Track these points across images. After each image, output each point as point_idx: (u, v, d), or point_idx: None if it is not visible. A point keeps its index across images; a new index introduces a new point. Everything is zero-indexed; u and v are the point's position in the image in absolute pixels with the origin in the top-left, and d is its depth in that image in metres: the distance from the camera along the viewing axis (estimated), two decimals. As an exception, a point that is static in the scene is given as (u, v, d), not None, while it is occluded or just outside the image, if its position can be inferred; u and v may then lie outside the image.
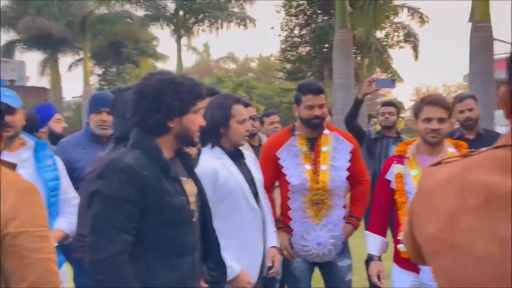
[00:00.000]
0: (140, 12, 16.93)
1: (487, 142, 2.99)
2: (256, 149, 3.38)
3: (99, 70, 27.54)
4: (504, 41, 21.41)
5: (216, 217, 2.00)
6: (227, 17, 15.94)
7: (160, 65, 28.30)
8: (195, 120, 1.67)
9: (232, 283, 2.04)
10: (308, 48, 18.07)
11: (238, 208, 2.12)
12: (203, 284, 1.80)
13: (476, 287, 0.77)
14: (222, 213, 2.05)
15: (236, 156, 2.24)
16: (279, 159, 2.63)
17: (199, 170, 1.99)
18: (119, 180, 1.51)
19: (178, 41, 16.54)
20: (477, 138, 3.12)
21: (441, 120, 2.22)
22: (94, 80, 26.55)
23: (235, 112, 2.17)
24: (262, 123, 4.26)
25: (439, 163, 0.90)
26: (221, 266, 1.90)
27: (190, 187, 1.71)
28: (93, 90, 20.36)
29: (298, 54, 18.76)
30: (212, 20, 16.03)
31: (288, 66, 20.51)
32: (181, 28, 16.22)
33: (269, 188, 2.73)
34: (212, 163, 2.10)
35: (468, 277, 0.78)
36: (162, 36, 38.44)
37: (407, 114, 23.04)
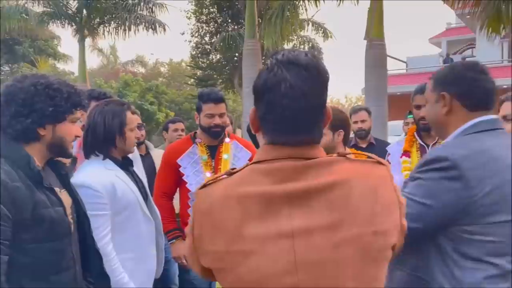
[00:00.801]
0: (38, 8, 15.67)
1: (379, 150, 3.28)
2: (142, 158, 3.28)
3: (-12, 69, 24.98)
4: (396, 58, 23.60)
5: (113, 230, 1.92)
6: (135, 20, 15.37)
7: (62, 66, 26.51)
8: (71, 130, 1.57)
9: None
10: (218, 56, 18.19)
11: (135, 219, 2.04)
12: None
13: (277, 284, 0.86)
14: (118, 227, 1.96)
15: (126, 165, 2.14)
16: (179, 166, 2.58)
17: (94, 184, 1.88)
18: None
19: (81, 41, 15.58)
20: (369, 146, 3.38)
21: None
22: (-18, 79, 24.00)
23: (127, 119, 2.07)
24: (166, 129, 4.18)
25: (205, 185, 0.96)
26: (104, 278, 1.79)
27: (65, 198, 1.59)
28: (-19, 90, 18.32)
29: (209, 61, 18.79)
30: (119, 22, 15.36)
31: (199, 72, 20.44)
32: (85, 28, 15.31)
33: (170, 196, 2.66)
34: (107, 175, 1.98)
35: (267, 277, 0.86)
36: (66, 36, 36.02)
37: (312, 123, 24.16)
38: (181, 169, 2.59)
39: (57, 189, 1.57)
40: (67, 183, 1.67)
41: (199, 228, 0.93)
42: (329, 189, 0.88)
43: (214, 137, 2.61)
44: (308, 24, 15.61)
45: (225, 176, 0.95)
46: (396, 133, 13.25)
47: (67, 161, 1.73)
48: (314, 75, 0.91)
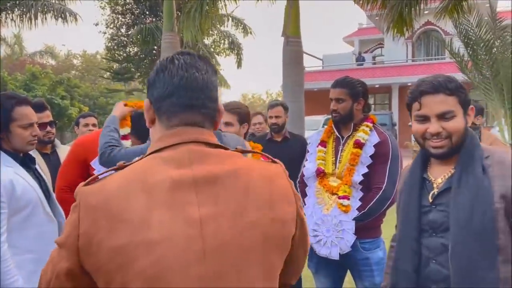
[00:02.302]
0: None
1: (293, 143, 3.42)
2: (47, 156, 3.04)
3: None
4: (313, 56, 24.56)
5: (12, 230, 1.80)
6: (42, 8, 14.24)
7: (-44, 56, 23.80)
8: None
9: None
10: (136, 49, 17.57)
11: (36, 219, 1.91)
12: None
13: (183, 275, 0.83)
14: (17, 226, 1.84)
15: (27, 162, 2.00)
16: (93, 169, 2.44)
17: None
18: None
19: (-20, 29, 14.13)
20: (284, 140, 3.46)
21: (227, 124, 2.55)
22: None
23: (18, 115, 1.91)
24: (78, 124, 3.98)
25: (88, 183, 0.90)
26: None
27: None
28: None
29: (125, 54, 18.08)
30: (24, 9, 14.13)
31: (115, 65, 19.57)
32: (-17, 15, 13.90)
33: (74, 191, 2.51)
34: (5, 173, 1.83)
35: (173, 268, 0.82)
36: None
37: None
38: (95, 172, 2.45)
39: None
40: None
41: (90, 226, 0.84)
42: (232, 175, 0.91)
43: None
44: (228, 20, 15.65)
45: (113, 171, 0.91)
46: (312, 127, 13.85)
47: None
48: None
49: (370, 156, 2.35)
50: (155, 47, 15.94)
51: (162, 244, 0.82)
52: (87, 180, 0.90)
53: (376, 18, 20.10)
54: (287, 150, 3.23)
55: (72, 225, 0.86)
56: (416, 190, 1.51)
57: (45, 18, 14.13)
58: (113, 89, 22.43)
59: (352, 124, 2.46)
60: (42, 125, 2.87)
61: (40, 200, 1.94)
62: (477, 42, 8.59)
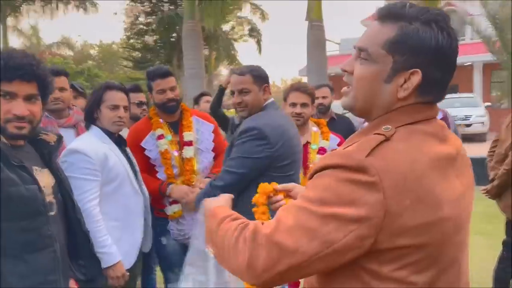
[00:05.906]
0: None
1: (339, 124, 3.38)
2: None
3: None
4: (332, 41, 24.30)
5: (101, 199, 2.02)
6: (63, -2, 14.40)
7: (-22, 48, 24.24)
8: (4, 108, 1.43)
9: (107, 271, 1.98)
10: (155, 37, 17.64)
11: (123, 191, 2.15)
12: (72, 284, 1.65)
13: (451, 246, 0.89)
14: (108, 196, 2.07)
15: (120, 143, 2.26)
16: (144, 149, 2.55)
17: (88, 151, 2.00)
18: None
19: (3, 21, 14.32)
20: (330, 121, 3.48)
21: (303, 105, 2.51)
22: None
23: (106, 97, 2.18)
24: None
25: (369, 153, 0.83)
26: (93, 261, 1.80)
27: (44, 177, 1.54)
28: None
29: (144, 43, 18.17)
30: (45, 0, 14.29)
31: (135, 54, 19.70)
32: (6, 6, 14.09)
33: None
34: (101, 146, 2.11)
35: (451, 239, 0.89)
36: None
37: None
38: (146, 152, 2.55)
39: (36, 168, 1.51)
40: (50, 162, 1.62)
41: (396, 206, 0.80)
42: (462, 152, 0.97)
43: (171, 112, 2.60)
44: (245, 6, 15.61)
45: (382, 137, 0.85)
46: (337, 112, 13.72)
47: (51, 139, 1.65)
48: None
49: None
50: (174, 34, 15.99)
51: (450, 219, 0.86)
52: (363, 152, 0.82)
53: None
54: (334, 131, 3.29)
55: (374, 203, 0.80)
56: None
57: (66, 9, 14.31)
58: (135, 77, 22.61)
59: None
60: (139, 104, 3.21)
61: (128, 176, 2.19)
62: (505, 22, 8.47)
